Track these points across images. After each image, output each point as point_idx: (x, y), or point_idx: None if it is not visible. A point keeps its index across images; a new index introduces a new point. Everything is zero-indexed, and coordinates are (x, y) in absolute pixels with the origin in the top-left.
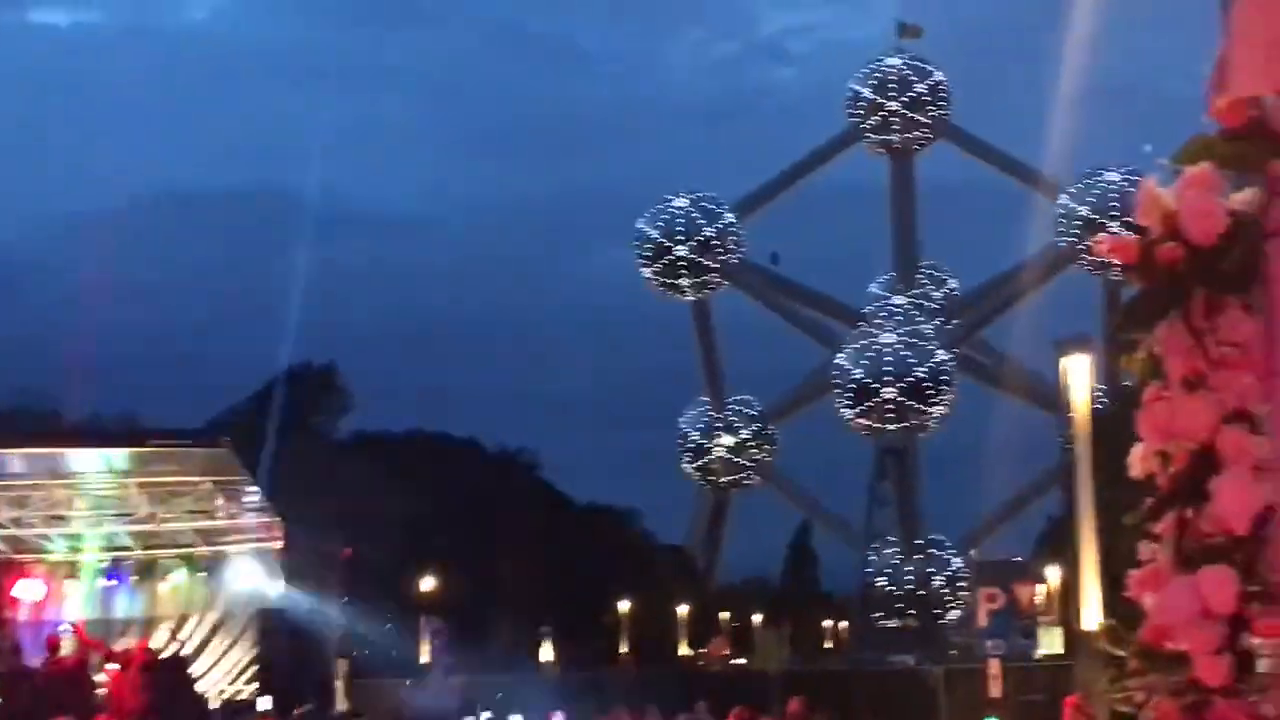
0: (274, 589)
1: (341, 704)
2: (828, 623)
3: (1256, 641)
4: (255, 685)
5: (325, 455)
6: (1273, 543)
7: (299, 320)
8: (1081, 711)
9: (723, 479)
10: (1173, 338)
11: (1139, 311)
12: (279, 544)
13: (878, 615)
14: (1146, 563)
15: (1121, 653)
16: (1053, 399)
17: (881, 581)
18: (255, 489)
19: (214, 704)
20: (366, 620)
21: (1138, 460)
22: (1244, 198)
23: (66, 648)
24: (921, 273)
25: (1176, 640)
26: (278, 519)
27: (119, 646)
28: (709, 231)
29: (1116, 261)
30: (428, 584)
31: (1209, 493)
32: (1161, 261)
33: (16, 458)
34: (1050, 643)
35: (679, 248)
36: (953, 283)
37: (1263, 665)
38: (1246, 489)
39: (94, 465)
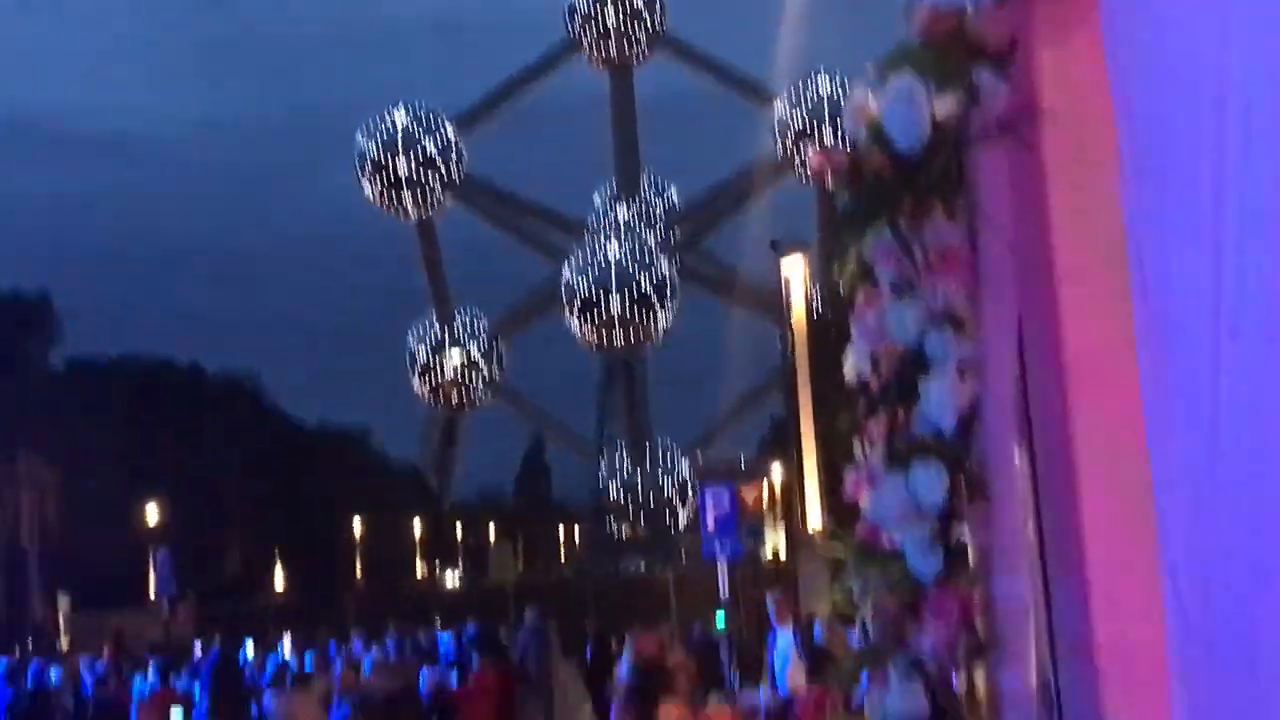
0: None
1: (64, 641)
2: (562, 534)
3: (966, 533)
4: None
5: (38, 385)
6: (978, 439)
7: (8, 249)
8: (783, 604)
9: (452, 396)
10: (881, 245)
11: (849, 220)
12: None
13: (610, 524)
14: (860, 463)
15: (839, 553)
16: (774, 304)
17: (612, 490)
18: None
19: None
20: (90, 552)
21: (850, 364)
22: (946, 106)
23: None
24: (644, 184)
25: (891, 536)
26: None
27: None
28: (430, 146)
29: (826, 171)
30: (152, 513)
31: (918, 393)
32: (868, 171)
33: None
34: (776, 541)
35: (399, 163)
36: (675, 194)
37: (973, 556)
38: (953, 389)
39: None
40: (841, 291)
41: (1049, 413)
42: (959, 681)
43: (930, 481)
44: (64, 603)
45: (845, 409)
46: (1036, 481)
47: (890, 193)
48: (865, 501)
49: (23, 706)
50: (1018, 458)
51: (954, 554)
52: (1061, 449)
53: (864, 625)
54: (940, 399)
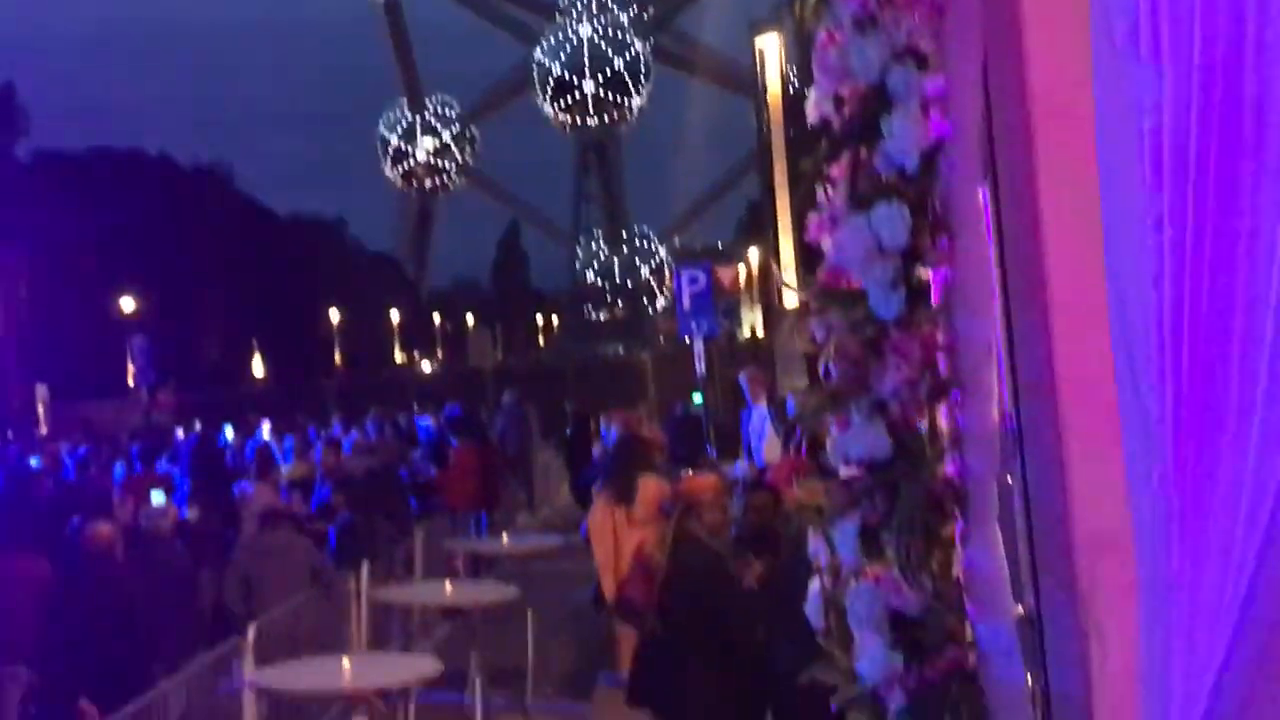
0: None
1: (43, 427)
2: (540, 320)
3: (926, 274)
4: None
5: (4, 176)
6: (941, 177)
7: None
8: (758, 381)
9: (426, 183)
10: None
11: None
12: None
13: (587, 309)
14: (823, 207)
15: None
16: (749, 83)
17: (590, 275)
18: None
19: None
20: (67, 343)
21: (812, 106)
22: None
23: None
24: None
25: (852, 278)
26: None
27: None
28: None
29: None
30: (128, 303)
31: (881, 132)
32: None
33: None
34: (754, 320)
35: None
36: None
37: (934, 297)
38: (916, 125)
39: None
40: (802, 29)
41: (1013, 150)
42: (922, 422)
43: (893, 221)
44: (42, 391)
45: (808, 153)
46: (1000, 220)
47: None
48: (827, 245)
49: (1, 491)
50: (982, 195)
51: (916, 294)
52: (1026, 186)
53: (826, 370)
54: (903, 136)
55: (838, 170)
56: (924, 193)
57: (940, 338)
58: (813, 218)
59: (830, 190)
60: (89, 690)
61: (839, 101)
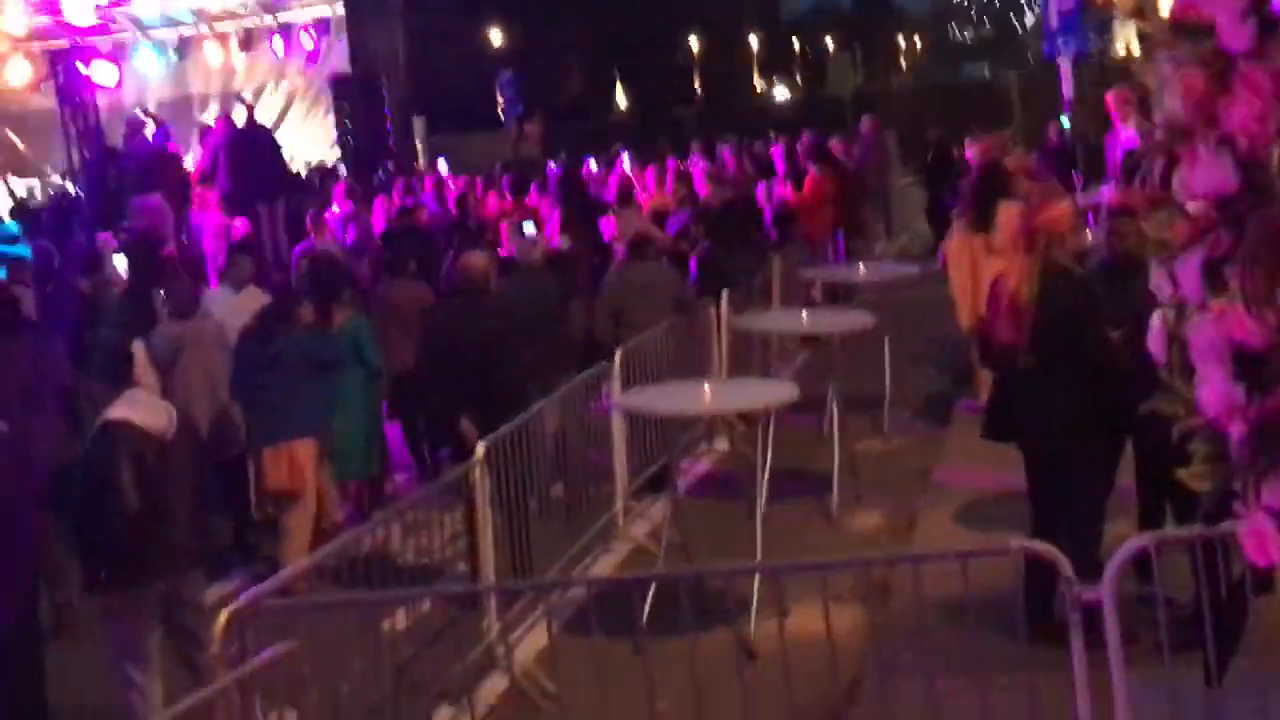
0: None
1: (423, 153)
2: (902, 42)
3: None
4: (337, 151)
5: None
6: None
7: None
8: (1127, 101)
9: None
10: None
11: None
12: None
13: (952, 29)
14: None
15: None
16: None
17: None
18: None
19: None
20: (439, 78)
21: None
22: None
23: (149, 130)
24: None
25: (1201, 10)
26: None
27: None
28: None
29: None
30: (496, 37)
31: None
32: None
33: None
34: (1128, 38)
35: None
36: None
37: None
38: None
39: None
40: None
41: None
42: (1271, 157)
43: None
44: (419, 124)
45: None
46: None
47: None
48: None
49: (391, 225)
50: None
51: (1267, 26)
52: None
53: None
54: None
55: None
56: None
57: None
58: None
59: None
60: (470, 411)
61: None
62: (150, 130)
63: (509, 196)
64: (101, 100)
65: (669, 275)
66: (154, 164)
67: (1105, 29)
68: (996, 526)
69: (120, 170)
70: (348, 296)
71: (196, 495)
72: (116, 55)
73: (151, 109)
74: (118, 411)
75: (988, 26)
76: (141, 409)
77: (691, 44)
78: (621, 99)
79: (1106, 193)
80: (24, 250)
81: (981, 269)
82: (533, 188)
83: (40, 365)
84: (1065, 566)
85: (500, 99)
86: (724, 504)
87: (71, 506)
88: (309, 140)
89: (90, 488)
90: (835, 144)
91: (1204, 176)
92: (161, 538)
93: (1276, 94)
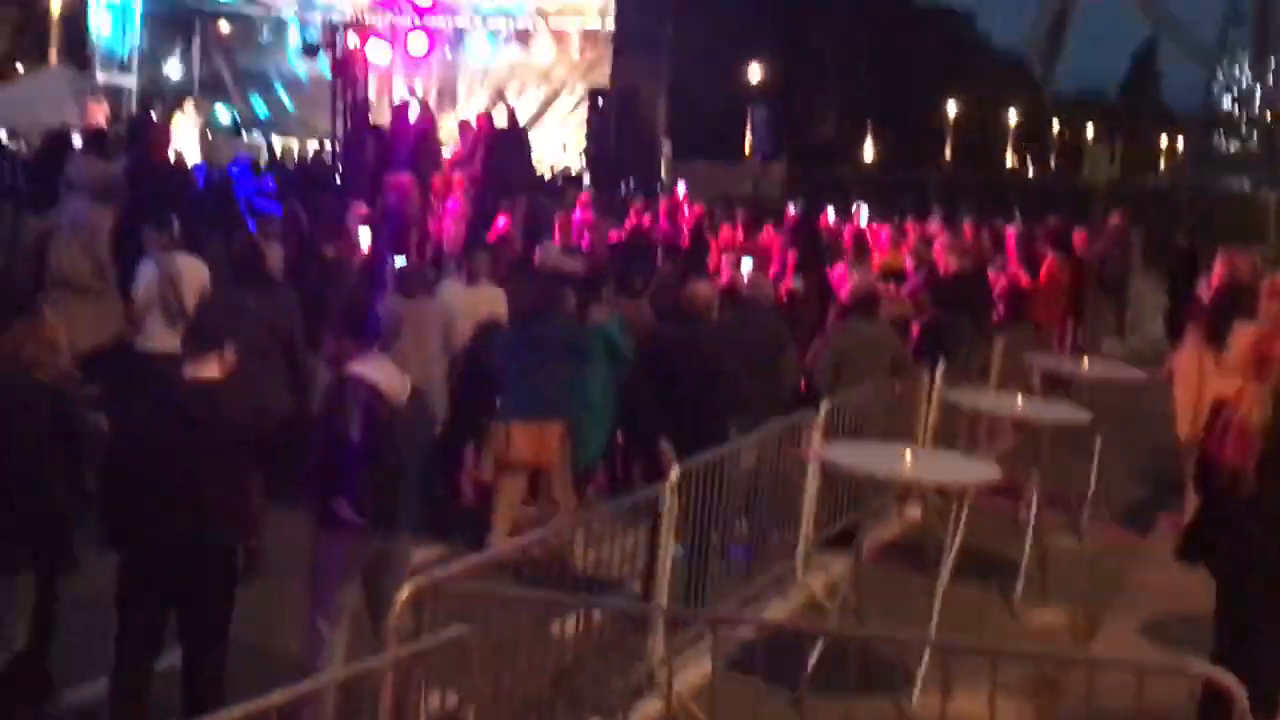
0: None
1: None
2: (1164, 142)
3: None
4: (582, 160)
5: None
6: None
7: None
8: None
9: None
10: None
11: None
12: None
13: (1218, 136)
14: None
15: None
16: None
17: (1226, 101)
18: None
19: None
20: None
21: None
22: None
23: (413, 113)
24: None
25: None
26: None
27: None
28: None
29: None
30: (755, 72)
31: None
32: None
33: None
34: None
35: None
36: None
37: None
38: None
39: None
40: None
41: None
42: None
43: None
44: (665, 146)
45: None
46: None
47: None
48: None
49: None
50: None
51: None
52: None
53: None
54: None
55: None
56: None
57: None
58: None
59: None
60: (670, 434)
61: None
62: (414, 112)
63: (741, 230)
64: (372, 77)
65: (892, 336)
66: (413, 144)
67: None
68: (1181, 646)
69: (380, 145)
70: (608, 295)
71: (414, 463)
72: (392, 37)
73: (419, 93)
74: (358, 368)
75: (1254, 141)
76: (380, 370)
77: (949, 108)
78: (869, 151)
79: None
80: (276, 207)
81: (1208, 386)
82: (767, 226)
83: (274, 318)
84: (1241, 699)
85: (751, 135)
86: (905, 574)
87: (309, 450)
88: (557, 145)
89: (324, 433)
90: (1078, 233)
91: None
92: (386, 493)
93: None
